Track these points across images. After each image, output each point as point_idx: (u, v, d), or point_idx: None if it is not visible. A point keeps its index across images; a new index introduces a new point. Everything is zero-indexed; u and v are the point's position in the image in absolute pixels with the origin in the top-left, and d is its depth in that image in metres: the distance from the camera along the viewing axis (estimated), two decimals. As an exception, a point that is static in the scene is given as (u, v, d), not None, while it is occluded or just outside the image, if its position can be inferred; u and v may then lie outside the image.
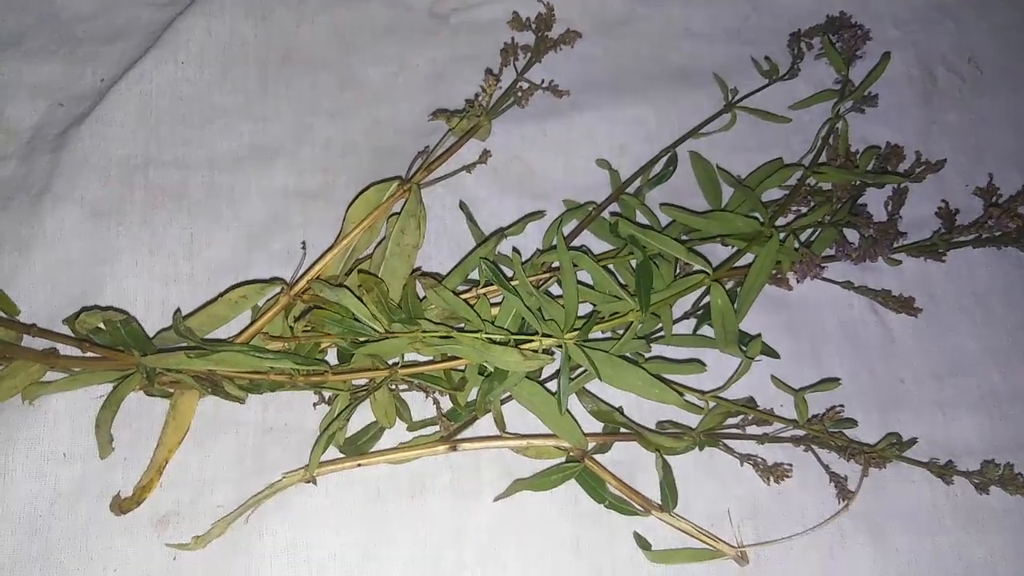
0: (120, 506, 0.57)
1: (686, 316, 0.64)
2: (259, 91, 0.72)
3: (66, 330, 0.58)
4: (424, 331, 0.54)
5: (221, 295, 0.61)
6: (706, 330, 0.62)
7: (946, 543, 0.61)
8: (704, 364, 0.60)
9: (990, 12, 0.81)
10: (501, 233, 0.63)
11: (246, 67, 0.72)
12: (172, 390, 0.58)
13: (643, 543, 0.59)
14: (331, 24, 0.75)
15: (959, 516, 0.62)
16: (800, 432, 0.58)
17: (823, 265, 0.60)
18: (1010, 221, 0.61)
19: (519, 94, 0.68)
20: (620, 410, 0.61)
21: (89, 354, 0.56)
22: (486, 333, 0.54)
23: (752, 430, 0.59)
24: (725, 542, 0.58)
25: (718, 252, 0.67)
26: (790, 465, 0.57)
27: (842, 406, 0.58)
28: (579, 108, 0.73)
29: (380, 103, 0.72)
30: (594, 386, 0.60)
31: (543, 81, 0.70)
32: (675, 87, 0.75)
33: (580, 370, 0.57)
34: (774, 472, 0.57)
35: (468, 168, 0.66)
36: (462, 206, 0.67)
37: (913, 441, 0.60)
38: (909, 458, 0.58)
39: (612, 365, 0.54)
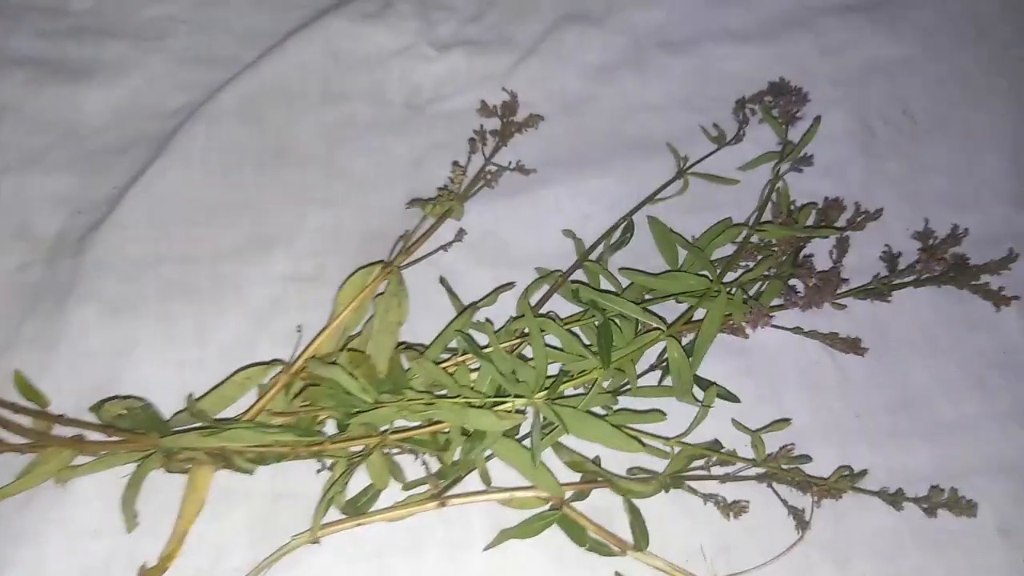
0: (146, 575, 0.63)
1: (652, 368, 0.70)
2: (256, 187, 0.79)
3: (92, 417, 0.64)
4: (409, 400, 0.60)
5: (228, 378, 0.68)
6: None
7: (907, 565, 0.65)
8: (664, 412, 0.65)
9: (919, 68, 0.87)
10: (475, 306, 0.70)
11: (243, 166, 0.80)
12: (189, 466, 0.64)
13: (623, 582, 0.63)
14: (318, 122, 0.83)
15: (919, 539, 0.66)
16: (760, 470, 0.64)
17: (771, 315, 0.66)
18: (936, 264, 0.66)
19: (488, 177, 0.75)
20: (597, 460, 0.66)
21: (113, 438, 0.62)
22: (464, 398, 0.60)
23: (717, 470, 0.65)
24: (696, 576, 0.62)
25: (679, 308, 0.73)
26: (747, 502, 0.62)
27: (793, 444, 0.63)
28: (545, 183, 0.80)
29: (366, 191, 0.80)
30: (571, 440, 0.65)
31: (510, 162, 0.77)
32: (633, 157, 0.82)
33: (553, 426, 0.62)
34: (733, 509, 0.62)
35: (445, 247, 0.72)
36: (442, 281, 0.74)
37: (864, 472, 0.65)
38: (862, 488, 0.63)
39: (579, 420, 0.60)
